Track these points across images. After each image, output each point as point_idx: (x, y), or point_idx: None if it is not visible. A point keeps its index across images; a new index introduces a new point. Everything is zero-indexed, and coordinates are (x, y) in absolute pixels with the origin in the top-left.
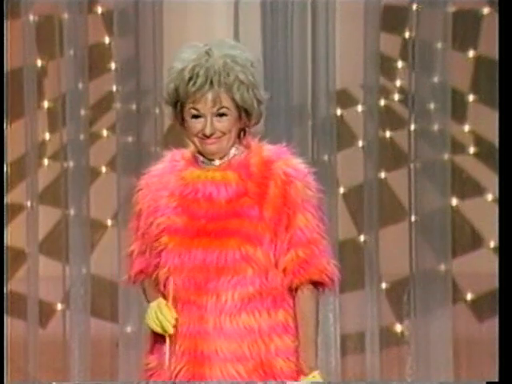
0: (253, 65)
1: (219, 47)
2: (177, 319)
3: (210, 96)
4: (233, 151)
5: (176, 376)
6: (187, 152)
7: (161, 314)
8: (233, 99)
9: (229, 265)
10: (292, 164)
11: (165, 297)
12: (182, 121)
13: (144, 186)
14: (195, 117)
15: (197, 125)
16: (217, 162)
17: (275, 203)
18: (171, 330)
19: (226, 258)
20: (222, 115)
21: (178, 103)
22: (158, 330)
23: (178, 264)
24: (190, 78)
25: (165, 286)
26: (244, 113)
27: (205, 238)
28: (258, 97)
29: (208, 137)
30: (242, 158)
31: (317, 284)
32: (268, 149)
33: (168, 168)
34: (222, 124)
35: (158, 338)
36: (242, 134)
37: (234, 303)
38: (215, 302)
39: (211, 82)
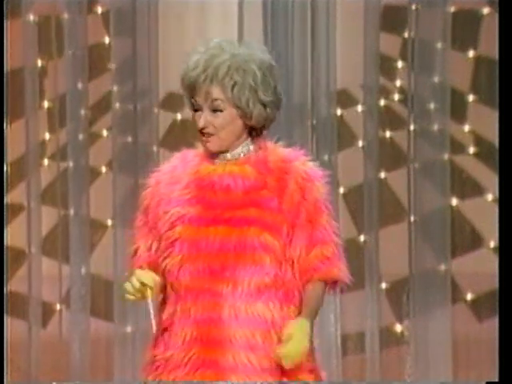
0: (261, 66)
1: (231, 44)
2: (157, 282)
3: (203, 89)
4: (246, 148)
5: (186, 363)
6: (200, 150)
7: (136, 278)
8: (229, 96)
9: (247, 253)
10: (309, 165)
11: (172, 288)
12: None
13: (154, 183)
14: (195, 110)
15: (196, 118)
16: (229, 156)
17: (294, 198)
18: (152, 284)
19: (244, 245)
20: (216, 111)
21: (189, 96)
22: (136, 294)
23: (192, 252)
24: (192, 70)
25: (177, 276)
26: (241, 112)
27: (222, 226)
28: (260, 98)
29: (201, 129)
30: (260, 156)
31: (332, 282)
32: (285, 150)
33: (180, 165)
34: (216, 119)
35: (163, 331)
36: (254, 134)
37: (250, 292)
38: (231, 290)
39: (206, 76)
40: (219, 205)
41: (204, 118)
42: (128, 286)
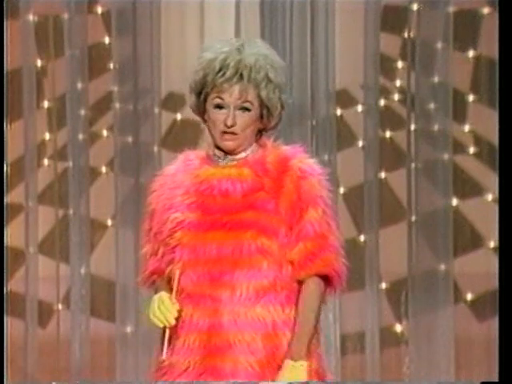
0: (282, 68)
1: (251, 44)
2: (179, 311)
3: (237, 88)
4: (249, 150)
5: (189, 370)
6: (201, 151)
7: (163, 306)
8: (258, 96)
9: (244, 257)
10: (307, 162)
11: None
12: (203, 112)
13: (158, 187)
14: (218, 107)
15: (219, 116)
16: (232, 159)
17: (291, 198)
18: (173, 322)
19: (241, 250)
20: (244, 109)
21: (203, 92)
22: (158, 322)
23: (192, 258)
24: (220, 69)
25: (179, 282)
26: (266, 112)
27: (220, 231)
28: (282, 99)
29: (229, 127)
30: (258, 156)
31: (324, 278)
32: (284, 148)
33: (181, 168)
34: (243, 119)
35: (170, 337)
36: (258, 135)
37: (249, 296)
38: (230, 295)
39: (241, 76)
40: (218, 209)
41: (233, 117)
42: (157, 311)
